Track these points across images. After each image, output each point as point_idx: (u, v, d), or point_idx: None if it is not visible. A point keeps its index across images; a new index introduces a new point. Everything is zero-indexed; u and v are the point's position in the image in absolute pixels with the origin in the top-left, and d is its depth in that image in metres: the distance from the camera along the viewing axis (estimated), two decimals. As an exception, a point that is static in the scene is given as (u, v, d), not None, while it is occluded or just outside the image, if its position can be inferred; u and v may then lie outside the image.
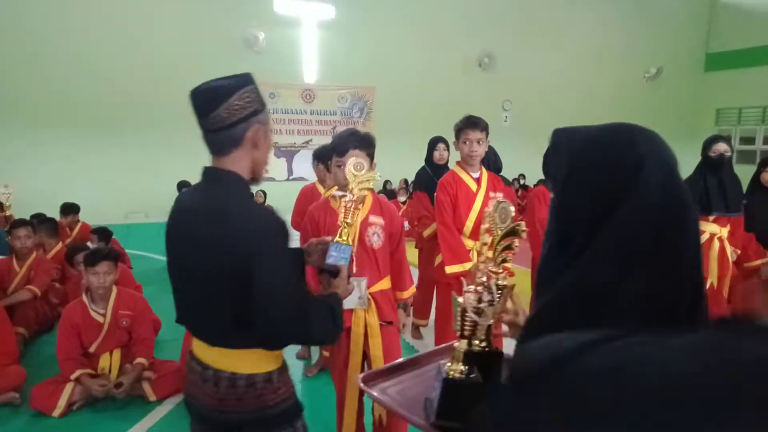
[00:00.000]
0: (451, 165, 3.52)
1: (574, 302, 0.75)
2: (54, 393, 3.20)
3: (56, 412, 3.17)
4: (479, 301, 1.26)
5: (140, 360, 3.43)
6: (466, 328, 1.28)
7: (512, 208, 1.41)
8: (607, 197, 0.75)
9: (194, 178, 6.98)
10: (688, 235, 0.76)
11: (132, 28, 10.44)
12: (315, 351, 4.01)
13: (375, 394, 1.37)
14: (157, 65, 10.58)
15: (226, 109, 1.42)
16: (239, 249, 1.37)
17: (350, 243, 1.73)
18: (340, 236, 1.71)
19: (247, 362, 1.46)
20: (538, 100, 13.64)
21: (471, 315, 1.26)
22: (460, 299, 1.28)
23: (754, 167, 4.20)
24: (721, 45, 15.05)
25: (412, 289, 2.64)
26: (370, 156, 2.27)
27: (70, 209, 6.33)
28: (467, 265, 3.05)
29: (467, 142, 3.08)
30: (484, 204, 3.12)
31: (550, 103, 13.74)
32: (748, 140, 14.26)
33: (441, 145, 4.38)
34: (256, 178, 1.53)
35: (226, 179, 1.46)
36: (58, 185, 9.41)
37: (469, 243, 3.14)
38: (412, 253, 5.61)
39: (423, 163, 4.55)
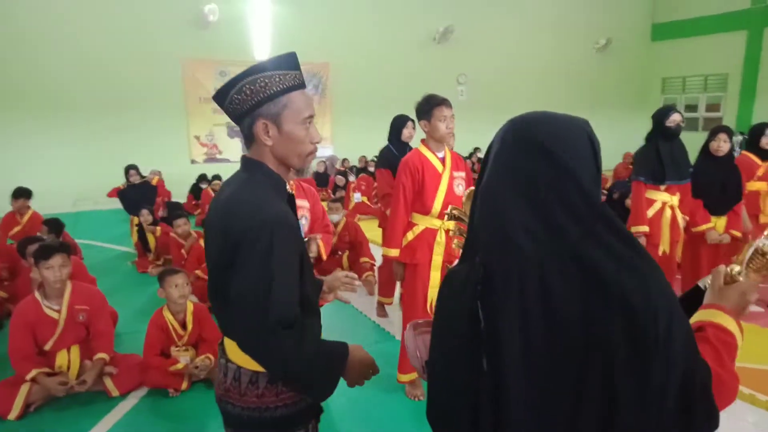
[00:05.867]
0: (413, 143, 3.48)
1: None
2: (9, 395, 3.06)
3: (12, 415, 3.04)
4: None
5: (101, 355, 3.31)
6: None
7: None
8: None
9: (144, 163, 6.81)
10: None
11: (75, 8, 9.87)
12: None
13: (411, 335, 1.35)
14: (102, 47, 10.10)
15: (229, 104, 1.41)
16: (229, 239, 1.33)
17: None
18: None
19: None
20: (494, 74, 13.73)
21: None
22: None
23: (697, 134, 4.33)
24: (667, 15, 15.45)
25: None
26: None
27: (21, 194, 6.03)
28: (392, 252, 3.15)
29: (443, 120, 3.01)
30: (450, 184, 3.11)
31: (504, 77, 13.87)
32: (692, 108, 14.79)
33: (410, 123, 4.37)
34: (296, 169, 1.48)
35: (250, 168, 1.44)
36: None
37: (436, 223, 3.13)
38: (376, 233, 5.61)
39: (381, 140, 4.53)
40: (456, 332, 1.00)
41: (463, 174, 3.26)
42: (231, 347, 1.45)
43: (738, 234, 4.09)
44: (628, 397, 0.86)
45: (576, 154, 0.92)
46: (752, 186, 4.44)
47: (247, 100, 1.38)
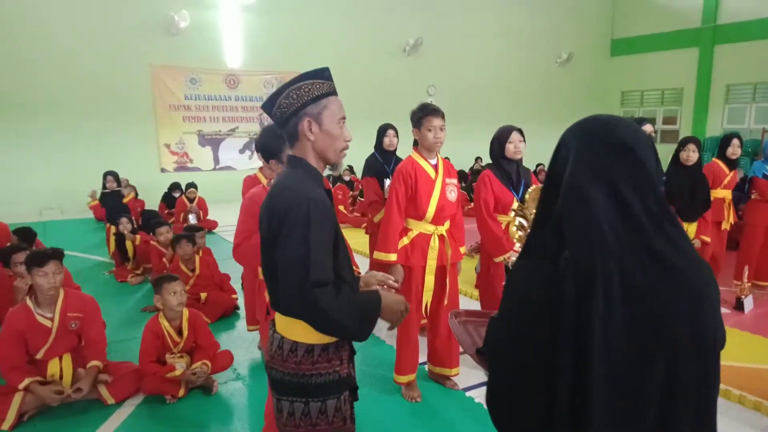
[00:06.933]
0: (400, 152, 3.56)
1: None
2: (1, 405, 3.00)
3: (5, 425, 2.98)
4: None
5: (95, 363, 3.27)
6: None
7: None
8: None
9: (112, 169, 6.67)
10: None
11: (39, 12, 9.64)
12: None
13: (455, 323, 1.57)
14: (69, 52, 9.89)
15: (277, 109, 1.66)
16: (275, 216, 1.56)
17: None
18: None
19: (293, 331, 1.64)
20: (462, 86, 14.04)
21: None
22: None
23: (656, 145, 4.59)
24: (625, 31, 16.13)
25: None
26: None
27: None
28: (391, 257, 3.16)
29: (432, 130, 3.12)
30: (443, 190, 3.22)
31: (472, 88, 14.19)
32: (649, 121, 15.46)
33: (390, 132, 4.46)
34: (331, 163, 1.71)
35: (293, 164, 1.68)
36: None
37: (429, 228, 3.23)
38: (359, 240, 5.67)
39: (354, 150, 4.62)
40: (529, 325, 1.05)
41: (455, 181, 3.37)
42: (279, 320, 1.70)
43: (707, 239, 4.36)
44: (689, 384, 0.95)
45: (649, 157, 1.03)
46: (717, 193, 4.74)
47: (293, 103, 1.63)
